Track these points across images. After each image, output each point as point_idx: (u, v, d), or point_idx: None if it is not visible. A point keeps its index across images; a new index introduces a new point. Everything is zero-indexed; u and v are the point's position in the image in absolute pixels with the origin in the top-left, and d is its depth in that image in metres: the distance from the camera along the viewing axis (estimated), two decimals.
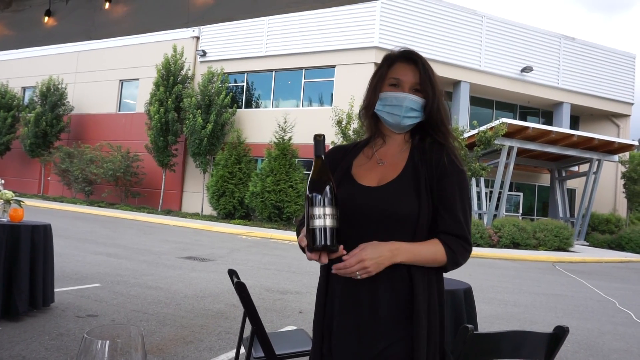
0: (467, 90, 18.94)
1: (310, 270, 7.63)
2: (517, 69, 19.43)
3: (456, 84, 18.98)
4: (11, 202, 4.08)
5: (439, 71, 1.50)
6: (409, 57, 1.36)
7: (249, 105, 19.98)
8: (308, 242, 1.16)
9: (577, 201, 20.70)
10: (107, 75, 22.34)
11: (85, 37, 4.36)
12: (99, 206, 19.09)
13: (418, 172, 1.30)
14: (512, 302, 6.43)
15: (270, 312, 4.83)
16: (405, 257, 1.21)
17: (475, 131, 15.02)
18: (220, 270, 7.08)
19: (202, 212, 18.73)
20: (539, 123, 19.23)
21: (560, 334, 1.36)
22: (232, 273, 2.35)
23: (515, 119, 18.96)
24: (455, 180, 1.29)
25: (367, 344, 1.23)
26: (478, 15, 18.95)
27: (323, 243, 1.13)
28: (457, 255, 1.25)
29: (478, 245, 14.07)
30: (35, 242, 3.95)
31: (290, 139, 16.51)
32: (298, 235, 1.33)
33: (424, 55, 1.41)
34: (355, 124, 14.52)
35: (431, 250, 1.23)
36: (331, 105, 17.26)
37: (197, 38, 20.42)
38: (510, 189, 19.42)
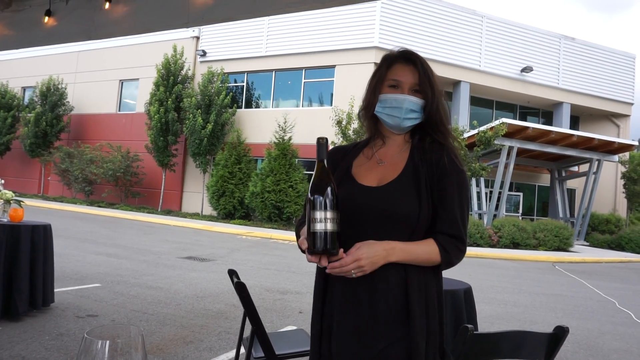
0: (467, 90, 18.94)
1: (311, 271, 7.63)
2: (517, 69, 19.43)
3: (456, 84, 18.98)
4: (11, 202, 4.08)
5: (439, 71, 1.50)
6: (407, 58, 1.36)
7: (249, 105, 19.99)
8: (309, 245, 1.17)
9: (577, 201, 20.70)
10: (107, 75, 22.34)
11: (85, 37, 4.36)
12: (99, 206, 19.09)
13: (418, 172, 1.30)
14: (512, 302, 6.43)
15: (270, 312, 4.83)
16: (400, 257, 1.22)
17: (475, 131, 15.02)
18: (220, 271, 7.08)
19: (202, 212, 18.73)
20: (538, 123, 19.23)
21: (560, 334, 1.36)
22: (232, 273, 2.35)
23: (515, 119, 18.96)
24: (455, 180, 1.29)
25: (366, 344, 1.23)
26: (478, 15, 18.95)
27: (323, 247, 1.14)
28: (451, 255, 1.26)
29: (478, 245, 14.07)
30: (35, 242, 3.95)
31: (290, 139, 16.51)
32: (297, 235, 1.33)
33: (423, 55, 1.40)
34: (355, 124, 14.52)
35: (425, 250, 1.24)
36: (331, 105, 17.26)
37: (197, 38, 20.42)
38: (510, 189, 19.42)
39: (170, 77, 18.44)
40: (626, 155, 19.59)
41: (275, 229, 15.24)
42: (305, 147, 16.47)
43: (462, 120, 17.62)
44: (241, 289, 2.03)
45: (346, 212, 1.24)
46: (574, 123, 21.99)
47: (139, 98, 20.96)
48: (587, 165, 18.31)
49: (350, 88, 15.43)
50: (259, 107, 19.89)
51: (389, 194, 1.27)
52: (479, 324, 2.81)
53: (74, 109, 22.29)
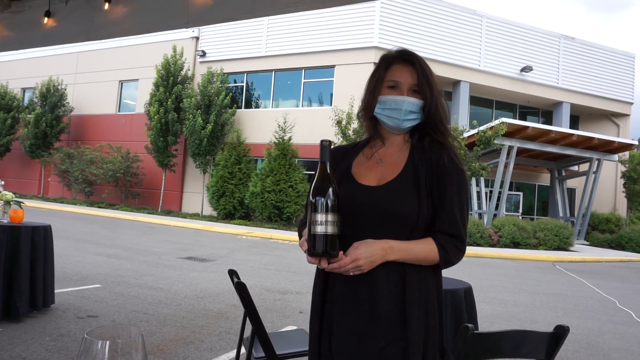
0: (467, 90, 18.94)
1: (311, 271, 7.62)
2: (517, 68, 19.43)
3: (456, 83, 18.98)
4: (11, 203, 4.08)
5: (439, 71, 1.50)
6: (406, 58, 1.35)
7: (248, 105, 19.99)
8: (309, 246, 1.17)
9: (577, 201, 20.71)
10: (106, 76, 22.34)
11: (85, 37, 4.35)
12: (99, 207, 19.09)
13: (418, 171, 1.30)
14: (513, 302, 6.43)
15: (270, 312, 4.83)
16: (398, 256, 1.22)
17: (475, 131, 15.02)
18: (220, 271, 7.08)
19: (202, 212, 18.73)
20: (538, 123, 19.24)
21: (560, 333, 1.36)
22: (232, 273, 2.34)
23: (515, 118, 18.95)
24: (454, 179, 1.29)
25: (366, 344, 1.23)
26: (478, 15, 18.96)
27: (323, 249, 1.15)
28: (450, 255, 1.26)
29: (478, 245, 14.07)
30: (36, 243, 3.95)
31: (290, 139, 16.51)
32: (300, 235, 1.33)
33: (423, 55, 1.40)
34: (355, 124, 14.52)
35: (424, 249, 1.24)
36: (331, 105, 17.27)
37: (197, 38, 20.42)
38: (510, 189, 19.42)
39: (170, 78, 18.44)
40: (626, 154, 19.60)
41: (276, 229, 15.24)
42: (305, 147, 16.47)
43: (461, 120, 17.62)
44: (241, 289, 2.03)
45: (346, 211, 1.24)
46: (574, 122, 21.99)
47: (139, 99, 20.97)
48: (587, 164, 18.32)
49: (350, 88, 15.43)
50: (258, 107, 19.90)
51: (388, 193, 1.27)
52: (480, 323, 2.81)
53: (73, 110, 22.29)
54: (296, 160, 16.44)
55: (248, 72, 19.76)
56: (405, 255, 1.22)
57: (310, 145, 16.52)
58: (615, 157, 18.24)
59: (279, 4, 3.56)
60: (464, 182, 1.31)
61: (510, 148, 15.95)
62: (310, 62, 18.42)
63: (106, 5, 4.00)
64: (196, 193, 19.64)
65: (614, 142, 16.85)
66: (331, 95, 18.06)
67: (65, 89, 22.03)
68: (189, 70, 19.49)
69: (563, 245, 14.88)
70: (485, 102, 20.84)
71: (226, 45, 19.78)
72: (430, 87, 1.33)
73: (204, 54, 20.14)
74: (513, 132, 15.31)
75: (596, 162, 17.72)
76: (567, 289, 7.98)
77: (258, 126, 18.58)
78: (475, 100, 20.24)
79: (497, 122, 14.75)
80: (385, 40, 16.91)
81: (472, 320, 2.50)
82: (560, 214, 19.09)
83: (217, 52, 19.93)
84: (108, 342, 0.62)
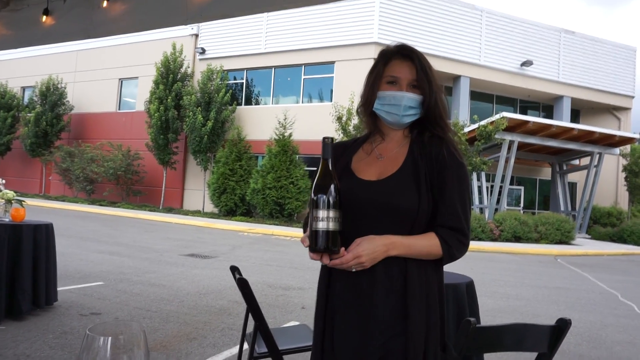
0: (467, 85, 18.89)
1: (312, 266, 7.64)
2: (517, 63, 19.37)
3: (456, 78, 18.93)
4: (13, 201, 4.09)
5: (439, 66, 1.50)
6: (405, 54, 1.35)
7: (248, 102, 19.96)
8: (310, 243, 1.18)
9: (579, 194, 20.69)
10: (106, 74, 22.32)
11: (84, 35, 4.34)
12: (101, 205, 19.12)
13: (418, 166, 1.30)
14: (514, 296, 6.43)
15: (273, 308, 4.84)
16: (400, 251, 1.22)
17: (475, 125, 14.99)
18: (222, 267, 7.09)
19: (203, 209, 18.75)
20: (539, 117, 19.16)
21: (562, 326, 1.36)
22: (234, 270, 2.35)
23: (516, 113, 18.94)
24: (454, 173, 1.28)
25: (368, 339, 1.23)
26: (477, 9, 18.88)
27: (325, 246, 1.15)
28: (453, 248, 1.25)
29: (480, 239, 14.08)
30: (38, 241, 3.96)
31: (290, 135, 16.50)
32: (304, 231, 1.34)
33: (423, 50, 1.40)
34: (355, 120, 14.50)
35: (426, 244, 1.24)
36: (331, 101, 17.25)
37: (196, 36, 20.38)
38: (511, 183, 19.40)
39: (170, 75, 18.42)
40: (627, 148, 19.55)
41: (277, 225, 15.25)
42: (305, 143, 16.46)
43: (462, 115, 17.58)
44: (243, 285, 2.03)
45: (346, 206, 1.24)
46: (575, 116, 21.94)
47: (139, 96, 20.95)
48: (588, 158, 18.28)
49: (350, 84, 15.40)
50: (258, 104, 19.87)
51: (388, 188, 1.27)
52: (482, 317, 2.81)
53: (73, 108, 22.29)
54: (297, 156, 16.44)
55: (248, 69, 19.72)
56: (407, 250, 1.22)
57: (310, 141, 16.51)
58: (617, 150, 18.19)
59: (278, 0, 3.54)
60: (464, 176, 1.30)
61: (511, 142, 15.92)
62: (310, 59, 18.38)
63: (105, 3, 3.99)
64: (197, 190, 19.66)
65: (615, 135, 16.81)
66: (331, 91, 18.02)
67: (65, 88, 22.01)
68: (188, 67, 19.47)
69: (565, 239, 14.88)
70: (485, 96, 20.79)
71: (225, 42, 19.74)
72: (429, 82, 1.32)
73: (203, 51, 20.10)
74: (514, 127, 15.29)
75: (597, 155, 17.68)
76: (569, 282, 7.98)
77: (258, 123, 18.57)
78: (475, 95, 20.20)
79: (497, 116, 14.72)
80: (385, 35, 16.86)
81: (474, 314, 2.50)
82: (562, 208, 19.08)
83: (217, 49, 19.89)
84: (110, 338, 0.62)
